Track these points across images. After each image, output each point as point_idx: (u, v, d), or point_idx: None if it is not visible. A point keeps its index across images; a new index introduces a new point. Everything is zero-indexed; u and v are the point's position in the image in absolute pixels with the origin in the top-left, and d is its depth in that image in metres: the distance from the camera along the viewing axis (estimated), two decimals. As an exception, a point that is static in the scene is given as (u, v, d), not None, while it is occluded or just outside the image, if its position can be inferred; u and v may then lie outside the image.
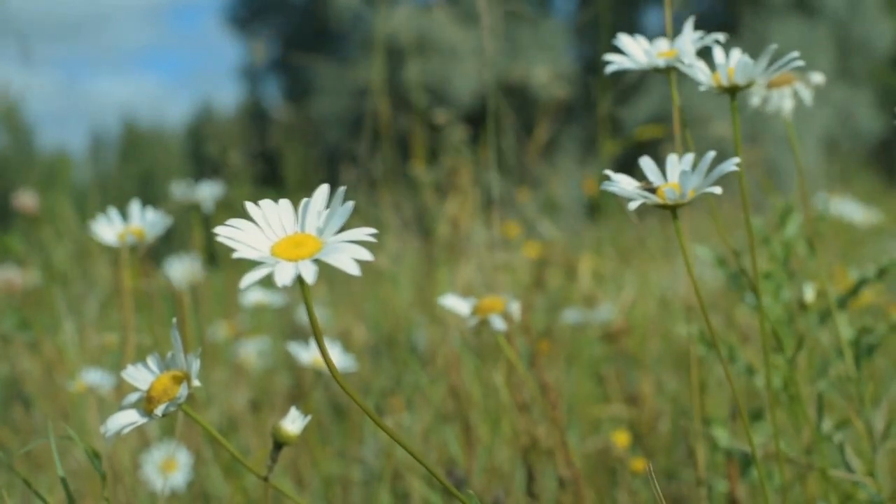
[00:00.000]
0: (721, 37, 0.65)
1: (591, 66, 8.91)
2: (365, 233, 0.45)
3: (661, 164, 0.58)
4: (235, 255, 0.45)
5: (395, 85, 2.05)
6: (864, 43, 8.84)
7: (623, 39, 0.68)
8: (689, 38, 0.67)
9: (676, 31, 0.70)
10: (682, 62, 0.65)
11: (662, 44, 0.68)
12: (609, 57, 0.67)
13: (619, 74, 0.74)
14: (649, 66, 0.66)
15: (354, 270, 0.43)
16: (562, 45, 9.28)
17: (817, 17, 8.75)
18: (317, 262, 0.45)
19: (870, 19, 8.81)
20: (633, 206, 0.53)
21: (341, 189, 0.47)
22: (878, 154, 7.66)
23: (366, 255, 0.44)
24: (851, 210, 1.67)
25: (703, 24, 0.72)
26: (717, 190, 0.53)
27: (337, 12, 8.69)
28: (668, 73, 0.66)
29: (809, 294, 0.84)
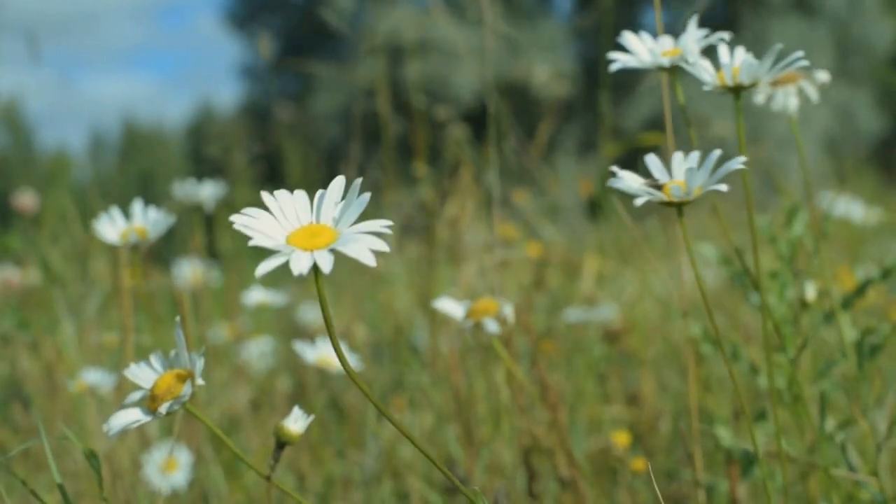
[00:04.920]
0: (726, 35, 0.64)
1: (591, 65, 8.92)
2: (381, 224, 0.45)
3: (663, 163, 0.58)
4: (251, 244, 0.45)
5: (395, 84, 2.05)
6: (864, 43, 8.83)
7: (627, 37, 0.67)
8: (694, 36, 0.66)
9: (675, 30, 0.69)
10: (686, 61, 0.64)
11: (667, 42, 0.67)
12: (613, 55, 0.66)
13: (620, 74, 0.73)
14: (653, 65, 0.65)
15: (371, 261, 0.43)
16: (561, 45, 9.27)
17: (817, 16, 8.75)
18: (333, 251, 0.45)
19: (870, 19, 8.81)
20: (638, 202, 0.53)
21: (357, 180, 0.47)
22: (878, 154, 7.65)
23: (382, 246, 0.44)
24: (852, 210, 1.66)
25: (704, 24, 0.71)
26: (723, 187, 0.52)
27: (335, 12, 8.68)
28: (673, 72, 0.66)
29: (811, 292, 0.84)
